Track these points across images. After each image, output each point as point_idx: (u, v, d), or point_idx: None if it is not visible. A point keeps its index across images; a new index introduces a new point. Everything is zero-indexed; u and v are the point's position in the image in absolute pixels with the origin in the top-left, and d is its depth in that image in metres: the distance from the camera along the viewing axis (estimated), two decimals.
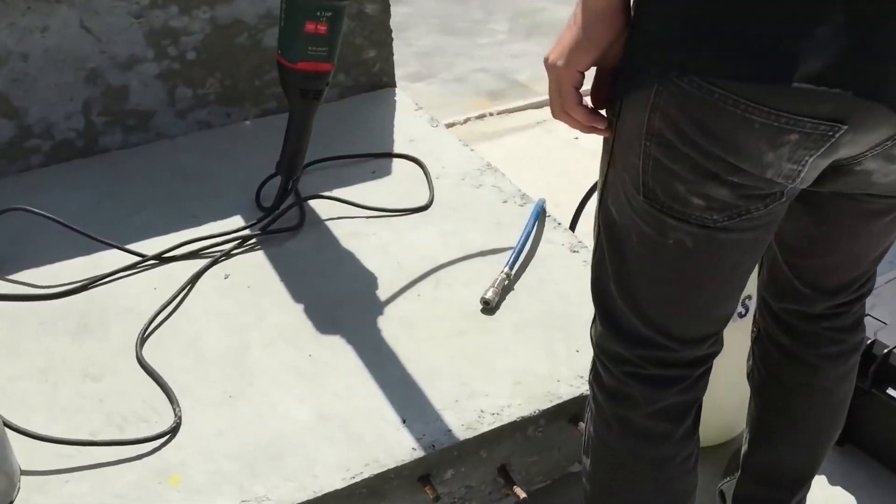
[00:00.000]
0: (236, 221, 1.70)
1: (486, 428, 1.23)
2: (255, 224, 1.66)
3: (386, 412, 1.26)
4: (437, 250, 1.61)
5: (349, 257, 1.61)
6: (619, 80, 0.91)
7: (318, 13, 1.48)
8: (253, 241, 1.63)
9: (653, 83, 0.84)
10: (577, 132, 0.99)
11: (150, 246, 1.61)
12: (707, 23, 0.80)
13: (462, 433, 1.22)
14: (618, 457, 1.11)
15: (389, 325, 1.43)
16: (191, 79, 1.98)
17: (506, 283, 1.49)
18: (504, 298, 1.48)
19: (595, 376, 1.10)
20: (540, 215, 1.66)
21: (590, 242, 1.26)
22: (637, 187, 0.90)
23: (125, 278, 1.55)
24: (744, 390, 1.27)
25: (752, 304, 1.26)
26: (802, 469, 1.28)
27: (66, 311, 1.47)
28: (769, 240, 0.98)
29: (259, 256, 1.61)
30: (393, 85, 2.26)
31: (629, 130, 0.90)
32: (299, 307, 1.48)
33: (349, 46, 2.13)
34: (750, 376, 1.25)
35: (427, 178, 1.82)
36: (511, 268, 1.52)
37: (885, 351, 1.51)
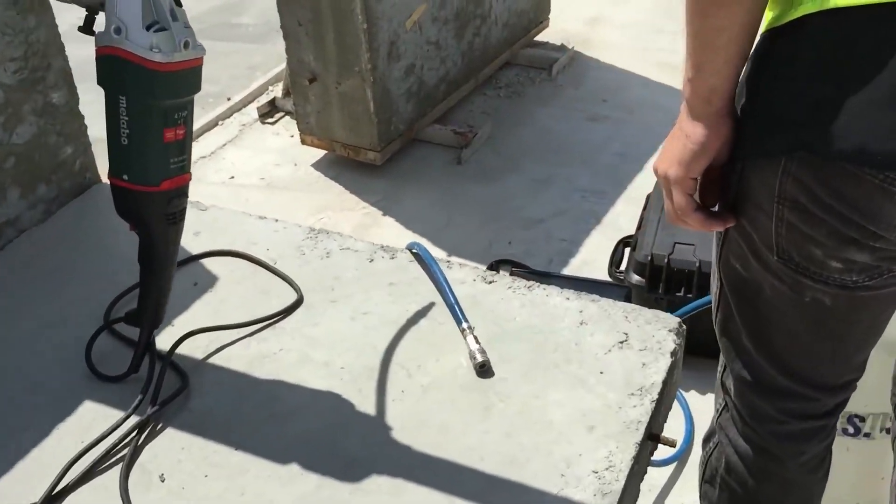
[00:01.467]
0: (90, 413, 1.27)
1: (620, 483, 1.15)
2: (138, 405, 1.25)
3: None
4: (369, 338, 1.40)
5: (276, 388, 1.32)
6: (741, 142, 0.91)
7: (177, 115, 1.15)
8: (149, 425, 1.24)
9: (781, 154, 0.85)
10: None
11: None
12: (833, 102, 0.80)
13: (607, 501, 1.12)
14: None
15: (398, 441, 1.23)
16: None
17: (474, 337, 1.37)
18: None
19: (727, 422, 1.10)
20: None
21: None
22: (770, 247, 0.91)
23: None
24: None
25: (864, 425, 1.35)
26: None
27: None
28: None
29: (171, 439, 1.23)
30: (98, 180, 1.85)
31: (756, 191, 0.90)
32: (280, 469, 1.19)
33: (42, 150, 1.68)
34: (894, 441, 1.27)
35: (267, 267, 1.55)
36: (466, 321, 1.40)
37: None
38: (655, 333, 1.40)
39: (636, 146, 2.99)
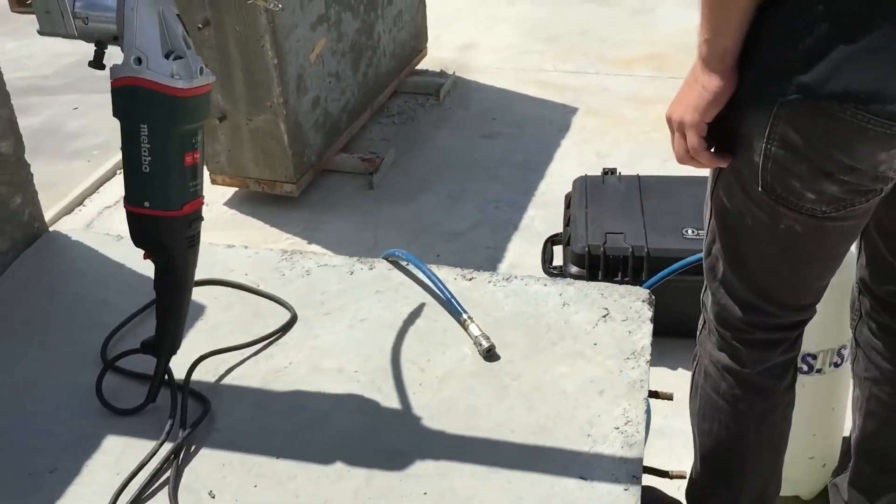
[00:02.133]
0: (116, 446, 1.27)
1: (641, 434, 1.27)
2: (170, 431, 1.26)
3: None
4: (373, 342, 1.46)
5: (297, 398, 1.36)
6: (741, 89, 1.06)
7: (194, 139, 1.19)
8: (183, 448, 1.26)
9: (776, 99, 1.02)
10: None
11: None
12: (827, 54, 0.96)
13: (634, 451, 1.24)
14: (727, 408, 1.30)
15: (430, 428, 1.30)
16: None
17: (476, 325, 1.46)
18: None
19: (705, 338, 1.26)
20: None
21: None
22: (756, 181, 1.07)
23: None
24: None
25: (847, 353, 1.50)
26: None
27: None
28: (864, 225, 1.17)
29: (209, 458, 1.25)
30: (46, 228, 1.81)
31: (749, 132, 1.06)
32: (327, 469, 1.23)
33: None
34: (854, 364, 1.41)
35: (253, 290, 1.58)
36: (465, 312, 1.49)
37: None
38: (632, 305, 1.54)
39: (533, 157, 3.17)
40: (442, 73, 3.84)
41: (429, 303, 1.56)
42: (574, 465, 1.23)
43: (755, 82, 1.04)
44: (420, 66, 3.83)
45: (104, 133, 3.56)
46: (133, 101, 1.14)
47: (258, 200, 2.91)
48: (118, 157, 3.24)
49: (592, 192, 2.33)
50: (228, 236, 2.77)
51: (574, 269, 2.13)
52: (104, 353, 1.44)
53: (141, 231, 1.23)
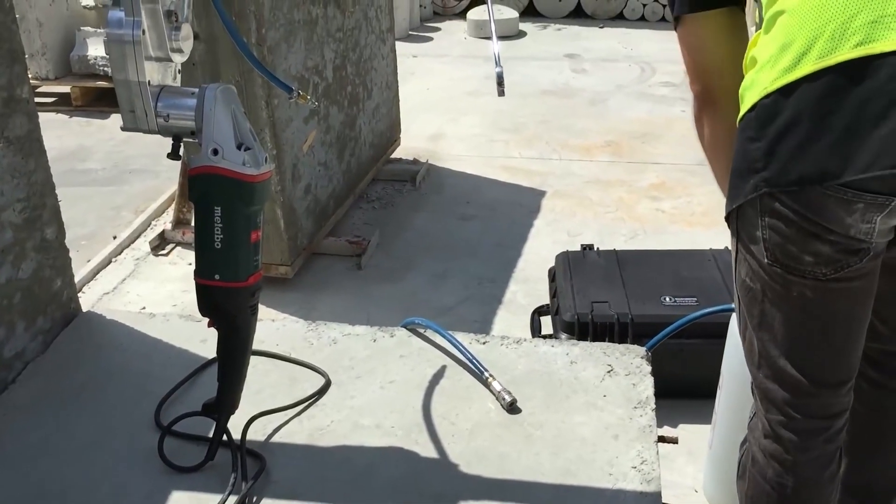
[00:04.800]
0: (182, 500, 1.38)
1: (657, 471, 1.42)
2: (234, 484, 1.38)
3: None
4: (405, 400, 1.60)
5: (344, 452, 1.49)
6: (731, 194, 1.28)
7: (258, 219, 1.35)
8: (247, 500, 1.37)
9: (757, 190, 1.21)
10: None
11: None
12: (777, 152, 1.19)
13: (653, 486, 1.39)
14: (774, 494, 1.40)
15: (468, 474, 1.43)
16: None
17: (497, 382, 1.62)
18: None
19: (754, 425, 1.41)
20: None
21: None
22: (762, 254, 1.26)
23: None
24: None
25: None
26: (893, 483, 1.54)
27: None
28: (873, 291, 1.29)
29: None
30: (80, 308, 1.93)
31: (749, 218, 1.26)
32: None
33: (40, 284, 1.78)
34: None
35: (287, 359, 1.72)
36: (486, 370, 1.64)
37: None
38: (632, 361, 1.72)
39: (508, 237, 3.38)
40: (415, 161, 4.06)
41: (449, 364, 1.72)
42: (600, 501, 1.38)
43: (740, 183, 1.25)
44: (395, 155, 4.06)
45: (91, 223, 3.68)
46: (210, 187, 1.30)
47: None
48: (110, 246, 3.36)
49: (575, 265, 2.53)
50: None
51: (564, 336, 2.31)
52: (158, 417, 1.56)
53: (210, 301, 1.37)
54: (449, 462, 1.47)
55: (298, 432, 1.55)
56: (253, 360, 1.75)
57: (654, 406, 1.60)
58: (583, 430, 1.54)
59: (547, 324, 2.57)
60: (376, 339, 1.81)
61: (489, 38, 6.48)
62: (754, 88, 1.21)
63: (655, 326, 2.26)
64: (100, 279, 3.13)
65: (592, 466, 1.45)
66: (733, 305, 1.76)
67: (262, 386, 1.67)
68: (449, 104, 4.93)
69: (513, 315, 2.84)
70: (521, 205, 3.66)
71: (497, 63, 1.08)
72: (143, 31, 1.25)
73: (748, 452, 1.43)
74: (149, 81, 1.28)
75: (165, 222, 3.47)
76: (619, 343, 2.25)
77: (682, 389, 2.19)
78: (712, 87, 1.41)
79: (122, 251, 3.35)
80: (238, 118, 1.31)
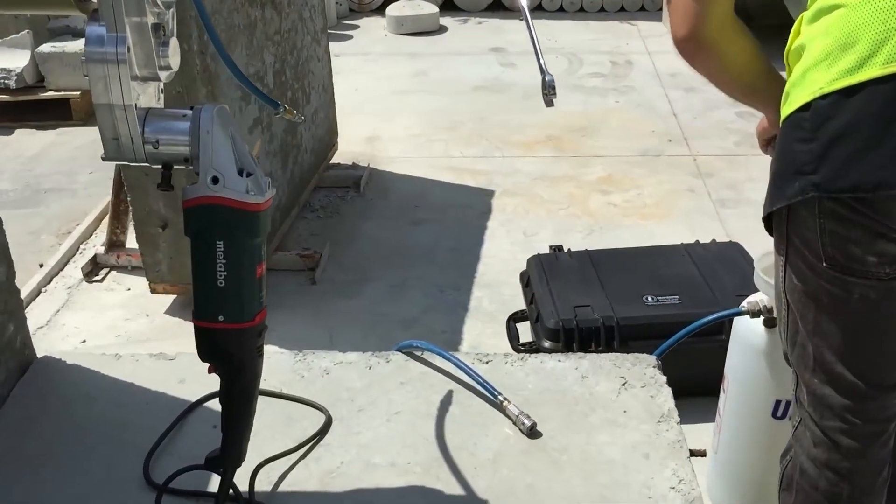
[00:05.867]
0: None
1: (697, 490, 1.36)
2: None
3: None
4: (416, 433, 1.49)
5: (361, 496, 1.37)
6: (781, 193, 1.21)
7: (262, 251, 1.22)
8: None
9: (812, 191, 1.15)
10: None
11: None
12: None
13: None
14: (824, 501, 1.34)
15: None
16: None
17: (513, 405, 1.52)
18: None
19: (801, 434, 1.35)
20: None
21: None
22: (819, 258, 1.19)
23: None
24: None
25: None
26: None
27: None
28: None
29: None
30: (35, 353, 1.75)
31: (803, 219, 1.19)
32: None
33: None
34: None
35: (280, 395, 1.58)
36: (500, 394, 1.55)
37: None
38: (645, 371, 1.65)
39: (463, 240, 3.28)
40: (355, 166, 3.92)
41: (456, 389, 1.62)
42: None
43: (783, 185, 1.19)
44: (333, 161, 3.91)
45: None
46: (210, 219, 1.16)
47: None
48: (38, 275, 3.11)
49: (549, 269, 2.46)
50: (180, 345, 2.70)
51: (548, 344, 2.23)
52: (148, 473, 1.41)
53: (213, 345, 1.24)
54: (477, 498, 1.37)
55: (307, 478, 1.42)
56: None
57: (678, 419, 1.53)
58: (610, 450, 1.46)
59: (523, 330, 2.49)
60: (371, 365, 1.69)
61: (412, 34, 6.37)
62: (806, 86, 1.14)
63: (642, 328, 2.22)
64: (31, 312, 2.89)
65: (629, 490, 1.38)
66: (743, 307, 1.72)
67: (257, 427, 1.52)
68: (380, 104, 4.80)
69: (482, 322, 2.75)
70: (472, 206, 3.56)
71: (545, 71, 0.98)
72: (129, 49, 1.10)
73: (794, 464, 1.38)
74: (136, 104, 1.13)
75: (96, 245, 3.24)
76: (606, 348, 2.20)
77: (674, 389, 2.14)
78: (704, 26, 1.29)
79: (50, 280, 3.10)
80: (237, 141, 1.18)
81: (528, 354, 1.70)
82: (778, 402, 1.72)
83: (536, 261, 2.52)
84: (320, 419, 1.54)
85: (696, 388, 2.08)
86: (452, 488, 1.39)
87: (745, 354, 1.75)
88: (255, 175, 1.18)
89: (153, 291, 2.85)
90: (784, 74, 1.31)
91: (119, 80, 1.11)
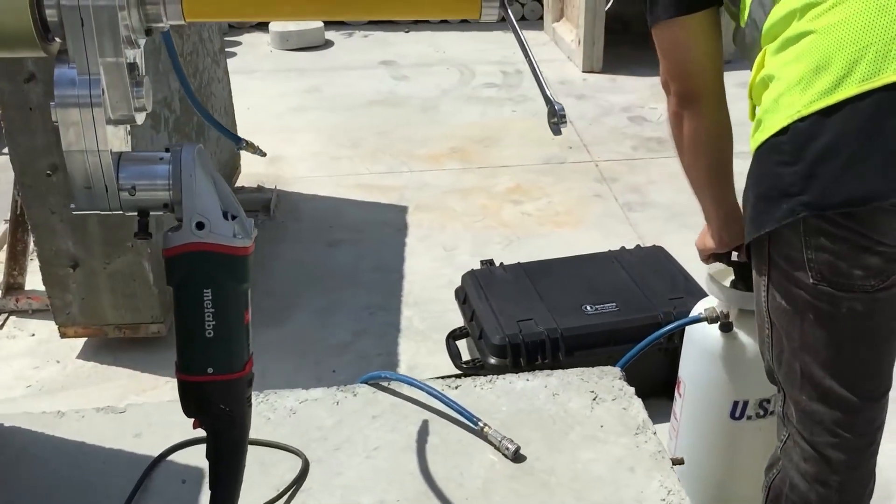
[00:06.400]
0: None
1: (687, 500, 1.38)
2: None
3: None
4: (399, 468, 1.46)
5: None
6: (760, 219, 1.25)
7: (248, 296, 1.16)
8: None
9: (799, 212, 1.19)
10: None
11: None
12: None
13: None
14: None
15: None
16: None
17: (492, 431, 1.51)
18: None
19: (790, 449, 1.38)
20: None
21: None
22: (806, 274, 1.23)
23: None
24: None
25: (769, 405, 1.66)
26: None
27: None
28: None
29: None
30: None
31: (787, 241, 1.24)
32: None
33: None
34: None
35: (252, 441, 1.51)
36: (480, 420, 1.52)
37: None
38: (613, 384, 1.68)
39: (384, 259, 3.25)
40: (261, 189, 3.82)
41: (430, 418, 1.59)
42: None
43: (771, 208, 1.22)
44: (238, 184, 3.79)
45: None
46: (196, 267, 1.10)
47: (118, 347, 2.70)
48: None
49: (486, 284, 2.46)
50: (98, 392, 2.55)
51: (494, 360, 2.23)
52: None
53: (201, 399, 1.16)
54: None
55: None
56: (201, 450, 1.53)
57: (654, 430, 1.56)
58: (596, 467, 1.47)
59: (463, 348, 2.48)
60: (339, 401, 1.64)
61: (297, 49, 6.25)
62: (781, 110, 1.18)
63: (585, 338, 2.26)
64: None
65: None
66: (701, 314, 1.76)
67: None
68: (277, 123, 4.69)
69: (416, 342, 2.72)
70: (387, 223, 3.53)
71: (553, 100, 0.97)
72: (103, 91, 1.02)
73: (783, 478, 1.41)
74: (110, 149, 1.06)
75: None
76: (553, 361, 2.22)
77: None
78: (695, 85, 1.41)
79: None
80: (219, 183, 1.11)
81: (495, 376, 1.70)
82: (736, 403, 1.77)
83: (471, 277, 2.52)
84: (297, 463, 1.48)
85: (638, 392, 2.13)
86: None
87: (702, 359, 1.79)
88: (239, 217, 1.12)
89: (63, 335, 2.68)
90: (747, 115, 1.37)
91: (93, 124, 1.03)
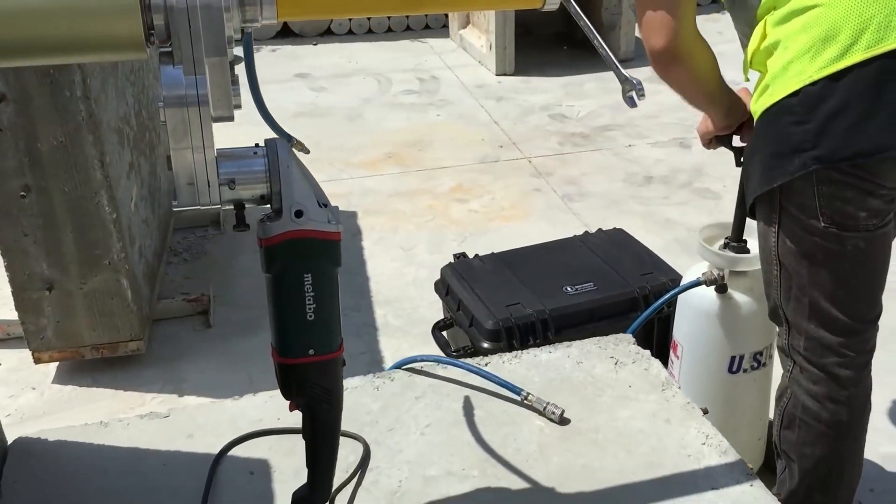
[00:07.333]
0: None
1: (725, 442, 1.51)
2: None
3: None
4: (455, 441, 1.54)
5: None
6: (773, 172, 1.41)
7: (338, 278, 1.22)
8: None
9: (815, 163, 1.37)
10: None
11: None
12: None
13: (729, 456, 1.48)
14: (830, 432, 1.57)
15: (565, 493, 1.42)
16: None
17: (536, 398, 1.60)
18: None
19: (797, 377, 1.55)
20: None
21: None
22: (817, 219, 1.41)
23: None
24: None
25: (762, 358, 1.82)
26: None
27: None
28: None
29: None
30: (4, 438, 1.58)
31: (799, 190, 1.41)
32: None
33: None
34: None
35: None
36: (522, 390, 1.62)
37: None
38: (628, 349, 1.80)
39: (346, 262, 3.22)
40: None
41: (471, 394, 1.67)
42: (702, 482, 1.44)
43: (781, 164, 1.38)
44: None
45: None
46: (297, 253, 1.16)
47: (94, 368, 2.66)
48: None
49: (467, 275, 2.55)
50: (83, 413, 2.51)
51: (488, 345, 2.33)
52: None
53: (302, 380, 1.22)
54: (543, 487, 1.45)
55: (376, 502, 1.42)
56: (259, 444, 1.57)
57: (678, 385, 1.69)
58: (635, 423, 1.58)
59: (456, 337, 2.56)
60: (378, 386, 1.70)
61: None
62: (791, 76, 1.34)
63: (571, 316, 2.38)
64: None
65: (668, 453, 1.51)
66: (699, 278, 1.91)
67: (297, 467, 1.50)
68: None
69: (395, 339, 2.79)
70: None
71: (627, 76, 1.07)
72: (208, 89, 1.07)
73: (795, 403, 1.58)
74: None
75: None
76: (544, 339, 2.34)
77: None
78: (679, 38, 1.47)
79: None
80: (308, 173, 1.18)
81: (521, 352, 1.79)
82: (733, 358, 1.93)
83: (452, 269, 2.61)
84: (357, 446, 1.54)
85: None
86: (516, 483, 1.45)
87: (698, 320, 1.95)
88: (329, 205, 1.18)
89: (37, 361, 2.62)
90: (747, 76, 1.52)
91: (200, 122, 1.08)
